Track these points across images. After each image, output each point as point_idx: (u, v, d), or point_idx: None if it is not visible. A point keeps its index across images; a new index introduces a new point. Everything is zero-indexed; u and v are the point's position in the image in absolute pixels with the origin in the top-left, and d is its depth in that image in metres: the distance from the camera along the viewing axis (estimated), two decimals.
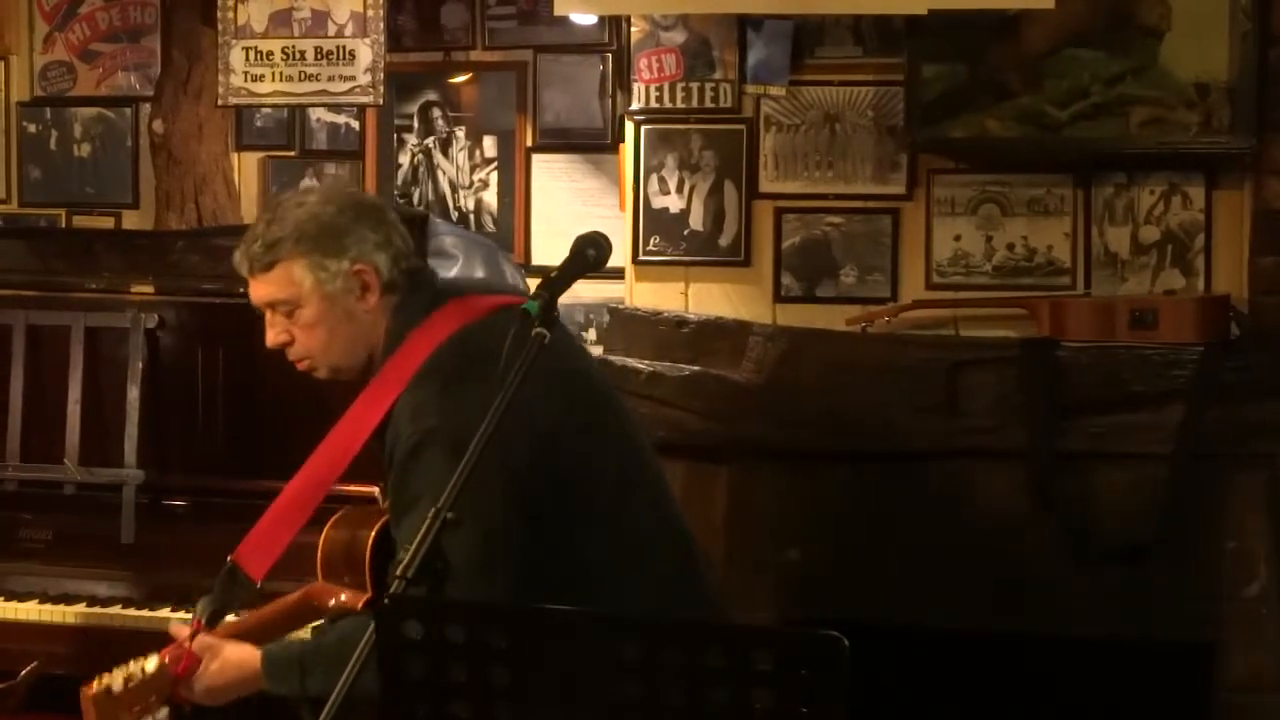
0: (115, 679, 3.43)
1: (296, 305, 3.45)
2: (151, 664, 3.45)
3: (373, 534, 3.62)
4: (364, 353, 3.51)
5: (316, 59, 5.45)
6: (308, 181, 6.22)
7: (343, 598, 3.61)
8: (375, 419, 3.43)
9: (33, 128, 6.45)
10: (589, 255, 3.35)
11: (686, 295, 5.44)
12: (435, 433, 3.27)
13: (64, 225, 6.39)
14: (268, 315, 3.51)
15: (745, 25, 5.47)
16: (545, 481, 3.34)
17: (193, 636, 3.46)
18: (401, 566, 2.74)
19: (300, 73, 5.46)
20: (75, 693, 4.47)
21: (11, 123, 6.48)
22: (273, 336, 3.53)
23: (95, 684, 3.41)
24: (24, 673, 3.14)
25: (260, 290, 3.46)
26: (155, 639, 4.34)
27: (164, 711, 3.51)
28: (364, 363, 3.52)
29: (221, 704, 3.55)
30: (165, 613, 4.40)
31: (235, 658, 3.49)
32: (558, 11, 5.19)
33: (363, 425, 3.47)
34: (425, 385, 3.36)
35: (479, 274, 4.78)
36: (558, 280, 3.29)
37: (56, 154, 6.43)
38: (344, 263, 3.43)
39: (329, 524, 3.79)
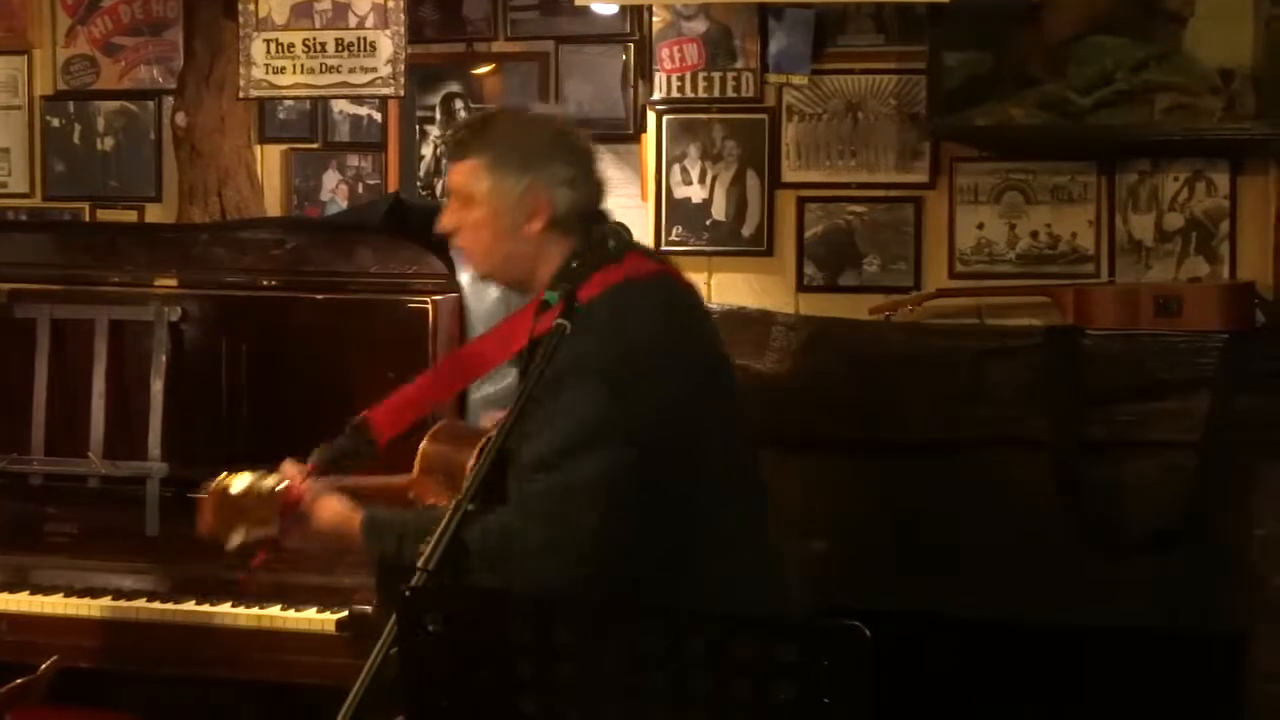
0: (235, 483, 3.55)
1: (471, 201, 3.52)
2: (270, 481, 3.54)
3: (474, 453, 3.59)
4: (518, 271, 3.57)
5: (337, 51, 5.44)
6: (331, 174, 6.22)
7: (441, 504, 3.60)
8: (523, 340, 3.46)
9: (56, 122, 6.46)
10: (609, 246, 3.39)
11: (709, 285, 5.43)
12: (604, 368, 3.31)
13: (87, 219, 6.39)
14: (450, 199, 3.61)
15: (767, 14, 5.47)
16: (667, 449, 3.35)
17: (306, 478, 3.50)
18: (423, 558, 2.75)
19: (321, 65, 5.46)
20: (100, 686, 4.50)
21: (35, 117, 6.48)
22: (445, 218, 3.61)
23: (217, 481, 3.55)
24: (45, 666, 3.15)
25: (453, 173, 3.58)
26: (181, 632, 4.39)
27: (263, 532, 3.54)
28: (517, 279, 3.59)
29: (312, 548, 3.63)
30: (190, 605, 4.41)
31: (339, 507, 3.56)
32: (578, 1, 5.19)
33: (511, 343, 3.53)
34: (598, 319, 3.34)
35: None
36: (578, 270, 3.31)
37: (79, 148, 6.43)
38: (522, 182, 3.48)
39: (428, 435, 3.84)
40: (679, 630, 2.43)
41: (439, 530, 2.80)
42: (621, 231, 3.53)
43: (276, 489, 3.52)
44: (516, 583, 3.23)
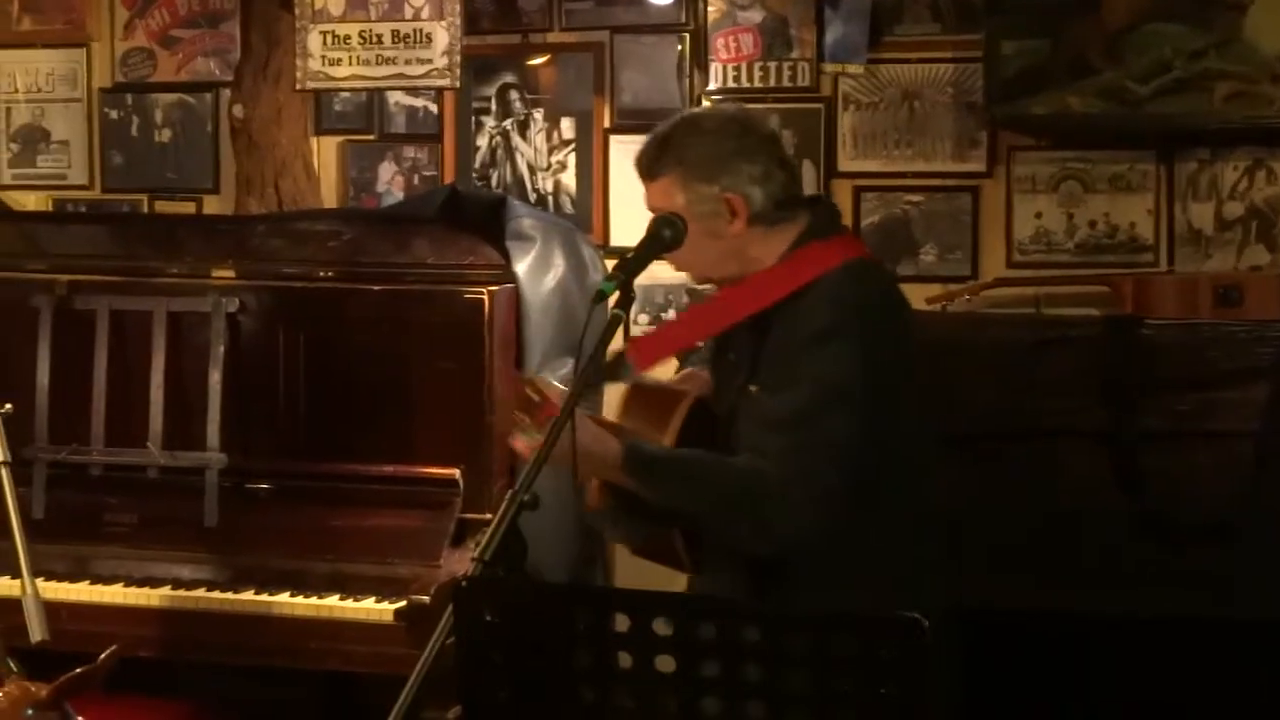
0: (535, 378, 3.62)
1: None
2: (558, 388, 3.52)
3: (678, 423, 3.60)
4: (733, 268, 3.59)
5: (393, 42, 5.45)
6: (387, 165, 6.24)
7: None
8: (782, 291, 3.50)
9: (114, 114, 6.50)
10: (665, 235, 3.41)
11: None
12: (851, 332, 3.38)
13: (146, 211, 6.42)
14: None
15: (823, 3, 5.46)
16: (899, 417, 3.48)
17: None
18: (479, 549, 2.75)
19: (377, 56, 5.47)
20: (159, 675, 4.52)
21: (93, 109, 6.52)
22: None
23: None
24: (104, 656, 3.16)
25: (647, 194, 3.60)
26: (240, 621, 4.40)
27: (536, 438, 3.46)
28: (734, 275, 3.60)
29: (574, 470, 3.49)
30: (249, 595, 4.43)
31: (604, 431, 3.51)
32: None
33: (770, 292, 3.52)
34: (841, 290, 3.45)
35: (557, 255, 4.83)
36: (634, 261, 3.33)
37: (138, 140, 6.47)
38: (714, 189, 3.51)
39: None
40: (736, 621, 2.43)
41: (495, 520, 2.80)
42: (836, 211, 3.70)
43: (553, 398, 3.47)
44: (748, 533, 3.33)
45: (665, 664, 2.47)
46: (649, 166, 3.58)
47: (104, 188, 6.52)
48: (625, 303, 3.22)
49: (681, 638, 2.45)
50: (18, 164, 6.58)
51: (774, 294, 3.50)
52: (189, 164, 6.42)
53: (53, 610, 4.36)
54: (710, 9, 5.61)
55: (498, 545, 2.78)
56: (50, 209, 6.50)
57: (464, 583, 2.68)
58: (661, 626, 2.47)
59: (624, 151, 5.92)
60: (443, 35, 5.40)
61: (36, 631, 3.32)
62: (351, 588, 4.40)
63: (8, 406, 3.48)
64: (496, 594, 2.60)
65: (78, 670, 3.12)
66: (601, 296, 3.27)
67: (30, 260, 5.10)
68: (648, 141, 3.60)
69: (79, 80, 6.52)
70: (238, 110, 5.92)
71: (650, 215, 3.55)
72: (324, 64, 5.51)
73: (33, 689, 3.16)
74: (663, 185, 3.54)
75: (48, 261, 5.07)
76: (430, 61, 5.42)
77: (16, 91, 6.59)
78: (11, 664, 3.30)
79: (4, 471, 3.41)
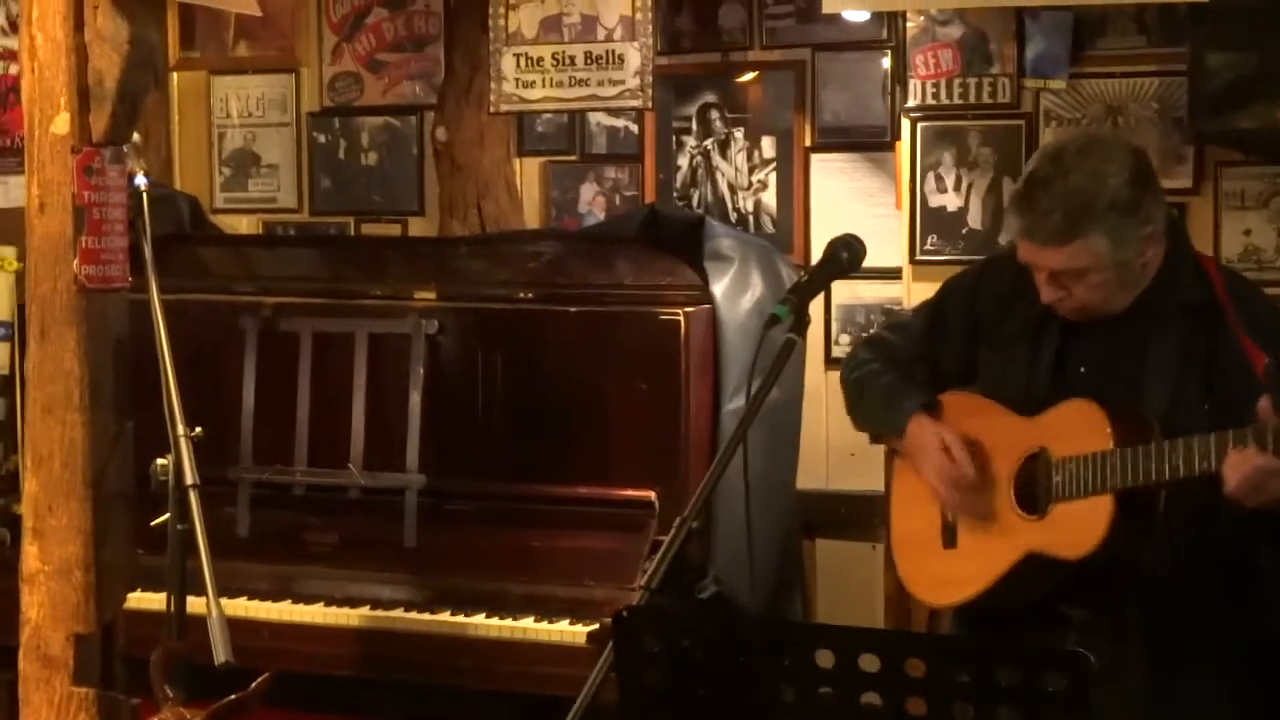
0: None
1: (1087, 272, 3.48)
2: None
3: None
4: (1131, 295, 3.54)
5: (586, 64, 5.46)
6: (588, 186, 6.26)
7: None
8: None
9: (322, 138, 6.59)
10: (842, 258, 3.35)
11: None
12: None
13: (352, 233, 6.51)
14: (1045, 275, 3.54)
15: (1023, 17, 5.37)
16: None
17: None
18: (646, 576, 2.73)
19: (570, 78, 5.48)
20: (356, 696, 4.57)
21: (302, 133, 6.62)
22: (1049, 294, 3.55)
23: None
24: (258, 681, 3.20)
25: (1050, 258, 3.48)
26: (436, 642, 4.43)
27: None
28: (1128, 303, 3.56)
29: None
30: (445, 616, 4.46)
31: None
32: (827, 9, 5.14)
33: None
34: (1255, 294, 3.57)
35: (755, 276, 4.80)
36: (809, 284, 3.29)
37: (345, 163, 6.56)
38: (1145, 230, 3.47)
39: None
40: (898, 653, 2.39)
41: (663, 549, 2.78)
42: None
43: None
44: None
45: (829, 693, 2.44)
46: (1061, 230, 3.43)
47: (312, 210, 6.62)
48: (799, 326, 3.18)
49: (844, 666, 2.41)
50: (229, 188, 6.70)
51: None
52: (394, 186, 6.49)
53: (255, 629, 4.49)
54: (909, 25, 5.55)
55: (665, 573, 2.75)
56: (260, 232, 6.60)
57: (624, 612, 2.64)
58: (825, 659, 2.44)
59: (825, 170, 5.88)
60: (635, 56, 5.40)
61: (220, 653, 3.35)
62: (546, 609, 4.42)
63: (198, 430, 3.54)
64: (659, 623, 2.56)
65: (232, 696, 3.16)
66: (775, 320, 3.23)
67: (240, 282, 5.20)
68: (1042, 200, 3.45)
69: (288, 105, 6.62)
70: (440, 133, 5.98)
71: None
72: (518, 86, 5.54)
73: (188, 716, 3.21)
74: (1080, 247, 3.43)
75: (256, 284, 5.17)
76: (623, 82, 5.42)
77: (229, 116, 6.71)
78: (168, 690, 3.36)
79: (193, 494, 3.46)
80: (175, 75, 6.68)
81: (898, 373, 3.85)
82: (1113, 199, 3.43)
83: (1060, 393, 3.56)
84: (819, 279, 3.34)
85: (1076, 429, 3.47)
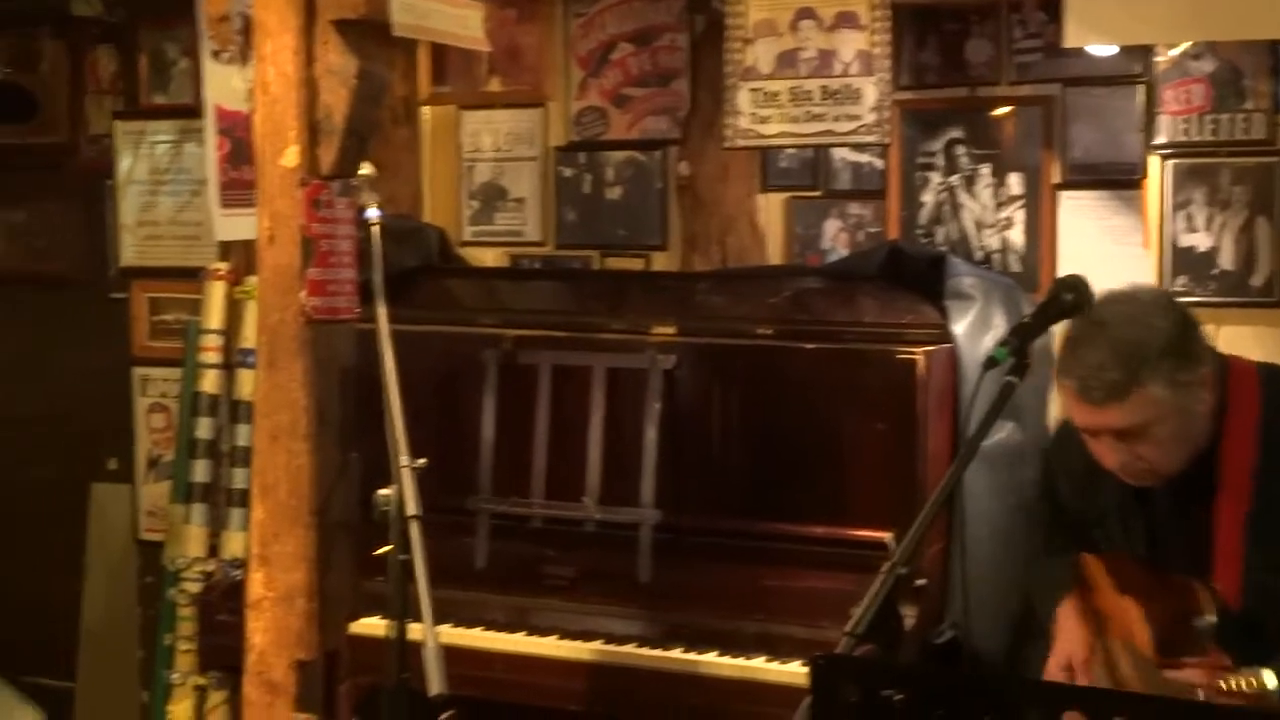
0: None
1: (1149, 427, 3.42)
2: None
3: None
4: (1194, 448, 3.49)
5: (822, 99, 5.42)
6: (831, 222, 6.21)
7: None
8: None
9: (568, 172, 6.64)
10: (1065, 300, 3.30)
11: (1215, 340, 5.20)
12: None
13: (596, 267, 6.54)
14: (1103, 439, 3.48)
15: (1278, 52, 5.22)
16: None
17: None
18: (851, 623, 2.68)
19: (806, 113, 5.44)
20: None
21: (549, 167, 6.68)
22: (1114, 460, 3.49)
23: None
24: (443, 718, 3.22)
25: (1111, 417, 3.42)
26: (665, 679, 4.41)
27: None
28: (1192, 456, 3.49)
29: None
30: (677, 653, 4.45)
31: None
32: (1068, 44, 5.06)
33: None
34: None
35: (997, 315, 4.73)
36: (1031, 326, 3.23)
37: (590, 197, 6.60)
38: (1200, 371, 3.43)
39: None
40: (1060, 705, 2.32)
41: (870, 594, 2.72)
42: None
43: None
44: None
45: None
46: (1120, 384, 3.37)
47: (557, 244, 6.66)
48: (1019, 369, 3.12)
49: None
50: (477, 221, 6.78)
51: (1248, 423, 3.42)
52: (638, 220, 6.51)
53: (488, 660, 4.52)
54: (1158, 60, 5.42)
55: (871, 620, 2.69)
56: (506, 264, 6.67)
57: (821, 660, 2.59)
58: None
59: (1074, 208, 5.77)
60: (872, 91, 5.34)
61: (435, 684, 3.36)
62: (779, 650, 4.39)
63: (421, 461, 3.57)
64: (859, 672, 2.51)
65: None
66: (993, 363, 3.18)
67: (483, 315, 5.25)
68: (1092, 362, 3.38)
69: (535, 139, 6.68)
70: (683, 167, 6.00)
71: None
72: (753, 121, 5.51)
73: None
74: (1141, 397, 3.37)
75: (500, 316, 5.22)
76: (859, 117, 5.36)
77: (478, 150, 6.79)
78: None
79: (415, 525, 3.48)
80: (427, 109, 6.78)
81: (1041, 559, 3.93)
82: (1165, 345, 3.35)
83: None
84: (1041, 321, 3.28)
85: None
